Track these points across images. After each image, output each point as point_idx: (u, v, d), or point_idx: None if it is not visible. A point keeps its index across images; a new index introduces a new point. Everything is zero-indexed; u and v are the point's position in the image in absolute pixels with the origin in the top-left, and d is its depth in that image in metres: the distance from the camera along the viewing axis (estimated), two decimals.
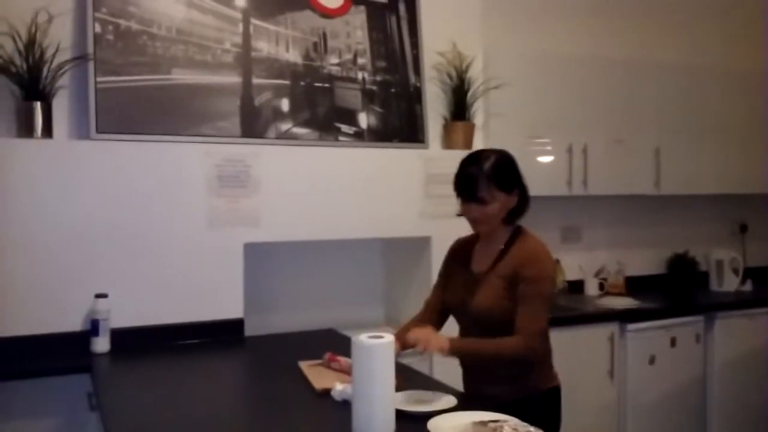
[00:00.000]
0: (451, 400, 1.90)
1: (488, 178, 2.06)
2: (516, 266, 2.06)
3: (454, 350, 1.98)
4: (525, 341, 1.99)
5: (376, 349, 1.60)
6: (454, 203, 3.32)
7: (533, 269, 2.05)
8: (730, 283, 4.33)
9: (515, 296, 2.02)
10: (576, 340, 3.45)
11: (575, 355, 3.45)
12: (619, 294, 4.05)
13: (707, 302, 4.00)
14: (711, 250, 4.45)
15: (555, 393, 2.16)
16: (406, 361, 2.29)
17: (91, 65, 2.70)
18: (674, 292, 4.29)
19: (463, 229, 3.27)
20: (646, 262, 4.43)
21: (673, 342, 3.69)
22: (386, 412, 1.64)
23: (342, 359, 2.21)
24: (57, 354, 2.55)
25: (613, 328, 3.56)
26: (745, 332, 3.94)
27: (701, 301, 4.03)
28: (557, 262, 4.03)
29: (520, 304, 2.02)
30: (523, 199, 2.15)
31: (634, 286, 4.20)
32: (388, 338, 1.63)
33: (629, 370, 3.58)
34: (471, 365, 2.17)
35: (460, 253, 2.29)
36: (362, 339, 1.61)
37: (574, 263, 4.13)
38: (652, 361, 3.62)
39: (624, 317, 3.60)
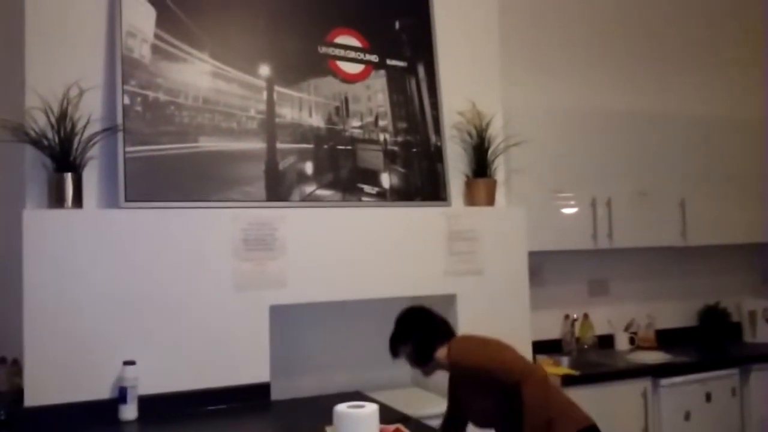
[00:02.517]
0: None
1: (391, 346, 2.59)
2: None
3: None
4: None
5: (357, 418, 1.61)
6: (478, 260, 3.34)
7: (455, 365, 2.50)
8: (764, 334, 4.24)
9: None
10: (608, 397, 3.38)
11: (608, 411, 3.36)
12: (651, 348, 3.98)
13: (742, 354, 3.91)
14: (742, 300, 4.37)
15: None
16: None
17: (120, 136, 2.77)
18: (707, 344, 4.20)
19: (487, 287, 3.28)
20: (677, 314, 4.37)
21: (708, 397, 3.60)
22: None
23: None
24: (85, 423, 2.54)
25: (645, 383, 3.49)
26: None
27: (736, 353, 3.94)
28: (585, 316, 3.99)
29: None
30: (417, 345, 2.52)
31: (665, 339, 4.13)
32: (370, 408, 1.64)
33: (664, 426, 3.48)
34: None
35: None
36: (344, 409, 1.63)
37: (603, 317, 4.08)
38: (687, 417, 3.53)
39: (657, 372, 3.53)
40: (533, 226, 3.47)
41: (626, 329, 4.09)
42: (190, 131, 2.89)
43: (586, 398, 3.11)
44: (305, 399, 2.97)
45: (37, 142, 2.69)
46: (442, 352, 2.49)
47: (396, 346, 2.58)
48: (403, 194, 3.27)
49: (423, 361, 2.53)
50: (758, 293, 4.53)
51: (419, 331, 2.55)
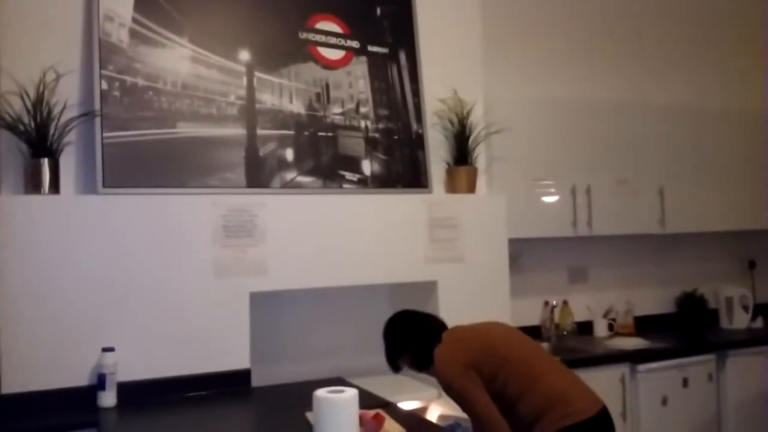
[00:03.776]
0: None
1: (389, 362, 2.52)
2: None
3: None
4: None
5: (337, 403, 1.62)
6: (458, 247, 3.35)
7: (440, 381, 2.33)
8: (741, 320, 4.29)
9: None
10: (587, 382, 3.39)
11: None
12: (629, 334, 4.02)
13: (718, 340, 3.96)
14: (720, 287, 4.42)
15: None
16: None
17: (97, 121, 2.74)
18: (684, 330, 4.25)
19: (468, 274, 3.29)
20: (655, 301, 4.41)
21: (685, 382, 3.64)
22: None
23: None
24: (64, 410, 2.53)
25: (623, 369, 3.52)
26: (758, 370, 3.89)
27: (712, 340, 3.99)
28: (565, 303, 4.02)
29: None
30: (414, 354, 2.43)
31: (643, 325, 4.18)
32: (350, 393, 1.64)
33: (642, 411, 3.52)
34: None
35: None
36: (324, 394, 1.63)
37: (582, 304, 4.11)
38: (664, 402, 3.57)
39: (635, 358, 3.57)
40: (513, 214, 3.48)
41: (605, 316, 4.13)
42: (169, 117, 2.87)
43: None
44: (285, 385, 2.98)
45: (12, 127, 2.66)
46: None
47: (394, 361, 2.49)
48: (385, 181, 3.27)
49: (425, 367, 2.39)
50: (736, 280, 4.58)
51: (410, 339, 2.45)
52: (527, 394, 2.19)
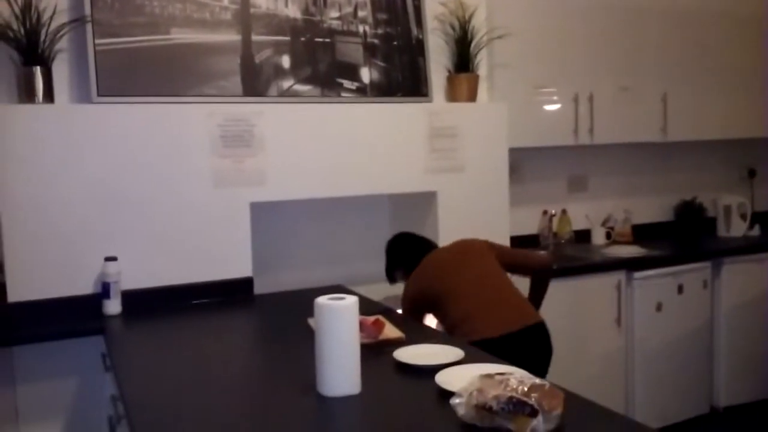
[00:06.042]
0: (458, 353, 1.93)
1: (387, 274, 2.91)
2: None
3: None
4: None
5: (338, 309, 1.64)
6: (458, 157, 3.34)
7: None
8: (738, 229, 4.32)
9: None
10: (583, 289, 3.47)
11: (582, 304, 3.48)
12: (626, 242, 4.06)
13: (714, 248, 4.00)
14: (719, 195, 4.43)
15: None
16: None
17: (89, 27, 2.67)
18: (681, 239, 4.29)
19: (468, 184, 3.29)
20: (654, 209, 4.43)
21: (680, 289, 3.71)
22: (350, 371, 1.68)
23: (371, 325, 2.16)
24: (70, 317, 2.59)
25: (620, 276, 3.58)
26: (753, 277, 3.95)
27: (708, 248, 4.03)
28: (563, 212, 4.04)
29: None
30: (407, 268, 2.75)
31: (641, 234, 4.21)
32: (350, 300, 1.66)
33: (636, 317, 3.60)
34: None
35: None
36: (325, 301, 1.65)
37: (581, 213, 4.13)
38: (659, 308, 3.65)
39: (631, 265, 3.62)
40: (515, 123, 3.44)
41: (603, 224, 4.15)
42: (162, 22, 2.79)
43: (562, 291, 3.20)
44: (287, 293, 3.03)
45: (1, 34, 2.58)
46: None
47: (391, 273, 2.87)
48: (384, 90, 3.21)
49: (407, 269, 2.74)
50: (735, 189, 4.59)
51: (405, 254, 2.81)
52: (448, 315, 2.52)
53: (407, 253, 2.82)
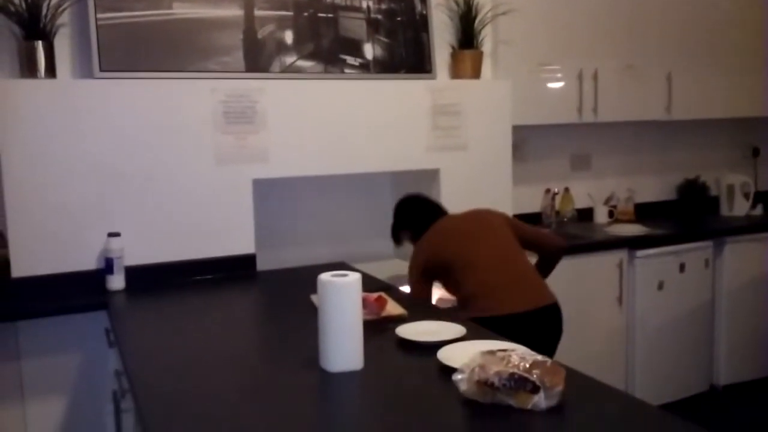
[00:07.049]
0: (459, 330, 1.94)
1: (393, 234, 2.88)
2: None
3: None
4: None
5: (341, 286, 1.64)
6: (462, 135, 3.33)
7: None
8: (741, 208, 4.31)
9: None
10: (585, 268, 3.48)
11: (584, 282, 3.49)
12: (629, 221, 4.06)
13: (717, 227, 4.00)
14: (722, 175, 4.42)
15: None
16: None
17: (90, 1, 2.65)
18: (684, 218, 4.29)
19: (471, 161, 3.28)
20: (657, 188, 4.42)
21: (682, 267, 3.71)
22: (353, 347, 1.69)
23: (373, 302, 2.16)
24: (74, 292, 2.60)
25: (622, 254, 3.58)
26: (755, 256, 3.95)
27: (711, 227, 4.02)
28: (566, 190, 4.03)
29: None
30: (414, 230, 2.73)
31: (643, 212, 4.21)
32: (353, 276, 1.67)
33: (638, 296, 3.61)
34: None
35: None
36: (328, 277, 1.66)
37: (584, 191, 4.13)
38: (660, 286, 3.65)
39: (633, 244, 3.62)
40: (518, 100, 3.43)
41: (606, 203, 4.15)
42: None
43: (564, 269, 3.20)
44: (290, 270, 3.04)
45: (3, 8, 2.57)
46: None
47: (397, 233, 2.83)
48: (387, 66, 3.19)
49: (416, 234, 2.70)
50: (739, 168, 4.57)
51: (415, 217, 2.75)
52: (464, 285, 2.47)
53: (417, 216, 2.75)
